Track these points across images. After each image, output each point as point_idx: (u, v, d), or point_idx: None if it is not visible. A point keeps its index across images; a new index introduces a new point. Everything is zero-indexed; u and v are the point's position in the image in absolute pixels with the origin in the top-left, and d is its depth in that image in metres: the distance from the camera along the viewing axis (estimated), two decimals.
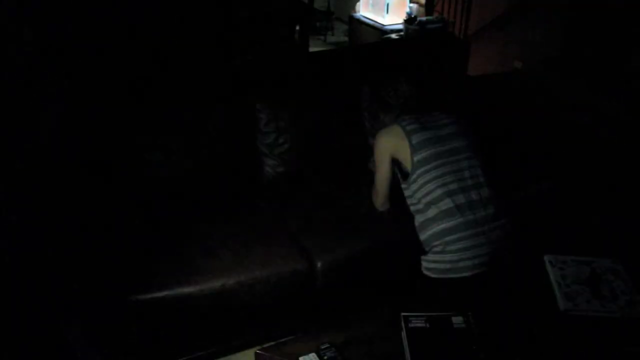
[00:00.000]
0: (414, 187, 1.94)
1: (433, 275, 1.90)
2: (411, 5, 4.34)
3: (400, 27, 4.24)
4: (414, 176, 1.94)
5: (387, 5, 4.42)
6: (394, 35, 4.27)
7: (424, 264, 1.93)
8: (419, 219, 1.95)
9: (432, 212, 1.90)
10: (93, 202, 2.02)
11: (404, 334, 1.56)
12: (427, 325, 1.60)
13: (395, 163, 2.02)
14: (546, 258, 1.88)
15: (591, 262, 1.85)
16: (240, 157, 2.36)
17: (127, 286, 1.78)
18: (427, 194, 1.91)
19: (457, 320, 1.62)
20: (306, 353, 1.53)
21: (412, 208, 1.99)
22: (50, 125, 2.03)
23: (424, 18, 4.10)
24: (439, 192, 1.89)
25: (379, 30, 4.38)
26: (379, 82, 2.18)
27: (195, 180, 2.27)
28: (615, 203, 2.41)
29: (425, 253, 1.94)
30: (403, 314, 1.61)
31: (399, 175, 2.04)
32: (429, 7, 4.36)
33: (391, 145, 2.00)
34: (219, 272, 1.86)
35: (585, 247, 1.99)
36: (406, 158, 1.95)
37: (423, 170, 1.92)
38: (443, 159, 1.92)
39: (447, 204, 1.87)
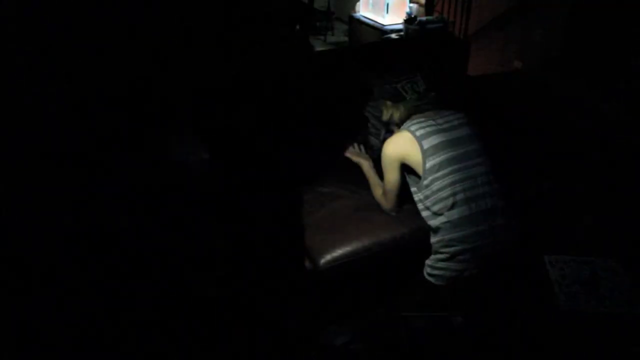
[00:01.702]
0: (426, 192, 1.89)
1: (436, 282, 1.89)
2: (411, 5, 4.34)
3: (400, 27, 4.24)
4: (426, 182, 1.88)
5: (387, 5, 4.42)
6: (394, 35, 4.27)
7: (428, 270, 1.92)
8: (428, 224, 1.92)
9: (441, 219, 1.86)
10: (92, 201, 2.02)
11: (404, 333, 1.56)
12: (427, 325, 1.60)
13: (406, 168, 1.97)
14: (546, 258, 1.88)
15: (591, 262, 1.85)
16: (241, 157, 2.36)
17: None
18: (439, 201, 1.86)
19: (457, 320, 1.62)
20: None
21: (422, 213, 1.94)
22: (50, 125, 2.03)
23: (424, 18, 4.10)
24: (450, 200, 1.84)
25: (379, 30, 4.38)
26: (394, 75, 2.10)
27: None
28: (615, 203, 2.41)
29: (428, 255, 1.94)
30: (403, 313, 1.61)
31: (409, 180, 1.99)
32: (429, 7, 4.36)
33: (401, 152, 1.93)
34: None
35: (585, 247, 1.99)
36: (418, 163, 1.89)
37: (435, 177, 1.86)
38: (456, 165, 1.86)
39: (457, 213, 1.83)
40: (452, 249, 1.84)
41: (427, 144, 1.88)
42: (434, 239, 1.90)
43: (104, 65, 2.12)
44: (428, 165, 1.86)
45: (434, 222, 1.89)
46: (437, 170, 1.86)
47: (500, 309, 1.79)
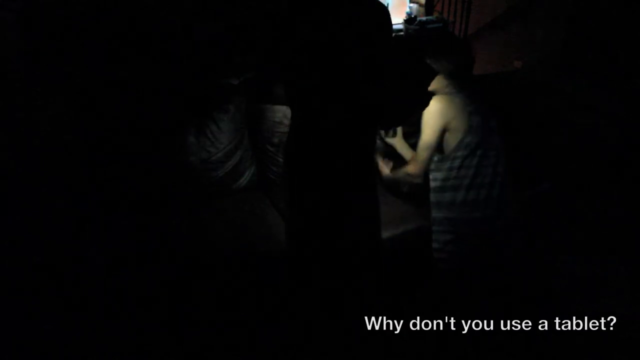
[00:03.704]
0: (446, 164, 1.88)
1: (444, 266, 1.91)
2: (411, 5, 4.34)
3: (400, 27, 4.24)
4: (453, 154, 1.87)
5: (387, 5, 4.42)
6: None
7: (436, 255, 1.94)
8: (437, 197, 1.93)
9: (452, 197, 1.88)
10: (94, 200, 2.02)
11: None
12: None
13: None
14: (547, 258, 1.88)
15: (591, 262, 1.85)
16: (244, 158, 2.36)
17: None
18: (456, 177, 1.87)
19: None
20: None
21: (433, 183, 1.93)
22: (50, 125, 2.03)
23: (424, 18, 4.10)
24: (467, 181, 1.85)
25: None
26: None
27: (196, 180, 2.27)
28: (615, 202, 2.41)
29: (430, 254, 1.94)
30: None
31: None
32: (429, 7, 4.36)
33: (451, 114, 1.86)
34: None
35: (585, 247, 1.99)
36: (456, 134, 1.86)
37: (464, 154, 1.86)
38: (483, 150, 1.87)
39: (469, 195, 1.85)
40: (458, 231, 1.86)
41: (475, 121, 1.86)
42: (438, 214, 1.91)
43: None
44: (466, 141, 1.85)
45: (443, 197, 1.89)
46: (468, 149, 1.85)
47: (500, 308, 1.79)
